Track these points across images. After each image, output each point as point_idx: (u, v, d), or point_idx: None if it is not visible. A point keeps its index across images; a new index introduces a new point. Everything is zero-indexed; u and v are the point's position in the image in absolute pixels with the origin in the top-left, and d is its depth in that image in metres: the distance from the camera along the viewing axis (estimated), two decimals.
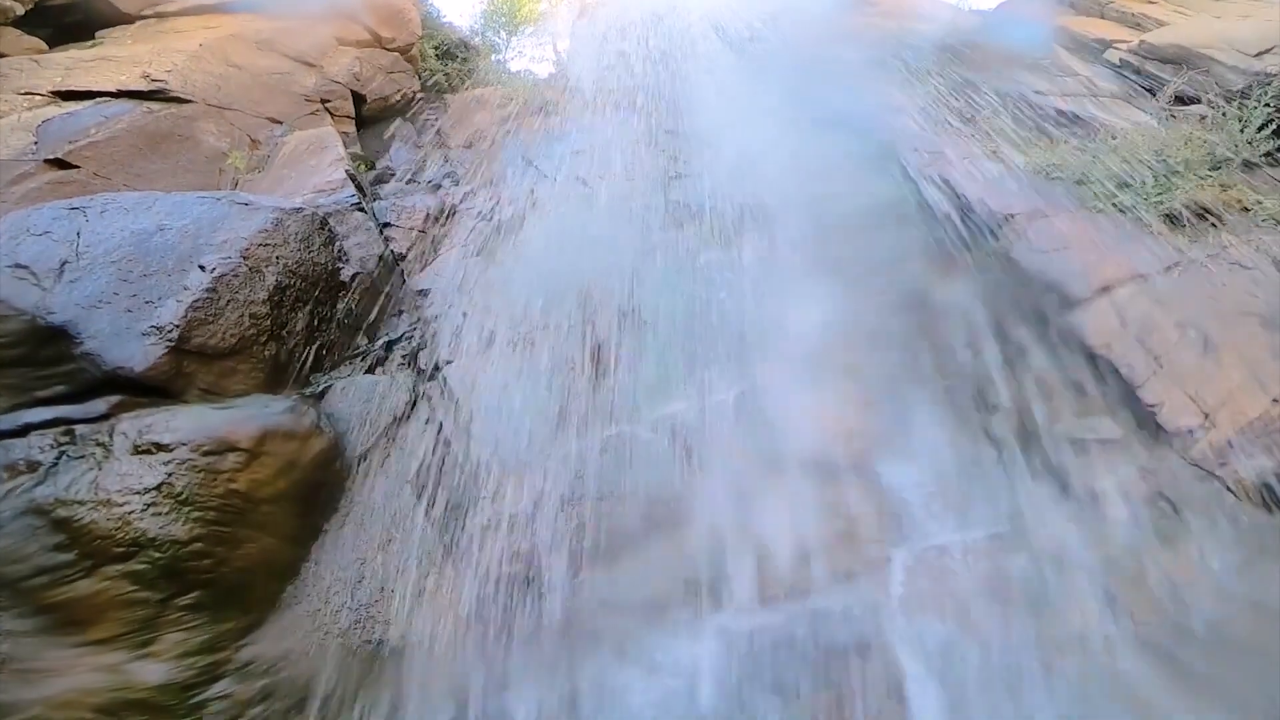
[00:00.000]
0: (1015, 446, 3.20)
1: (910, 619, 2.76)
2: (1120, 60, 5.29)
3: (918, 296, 3.72)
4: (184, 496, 2.53)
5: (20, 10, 5.76)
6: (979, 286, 3.64)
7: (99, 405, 2.67)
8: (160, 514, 2.48)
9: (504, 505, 3.20)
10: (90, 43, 6.11)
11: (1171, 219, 3.70)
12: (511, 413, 3.41)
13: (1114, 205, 3.84)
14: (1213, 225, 3.65)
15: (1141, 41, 5.23)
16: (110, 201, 3.42)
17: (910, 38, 5.78)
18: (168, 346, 2.84)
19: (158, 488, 2.50)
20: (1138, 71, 5.14)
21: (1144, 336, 3.19)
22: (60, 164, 4.39)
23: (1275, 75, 4.14)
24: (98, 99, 4.94)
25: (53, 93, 5.05)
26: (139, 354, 2.81)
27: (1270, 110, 3.97)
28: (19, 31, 5.84)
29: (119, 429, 2.58)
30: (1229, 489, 2.80)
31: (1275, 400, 2.90)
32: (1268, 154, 3.98)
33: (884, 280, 3.82)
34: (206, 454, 2.59)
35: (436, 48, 7.18)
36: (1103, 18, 6.12)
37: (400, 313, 3.86)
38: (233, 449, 2.66)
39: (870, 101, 4.91)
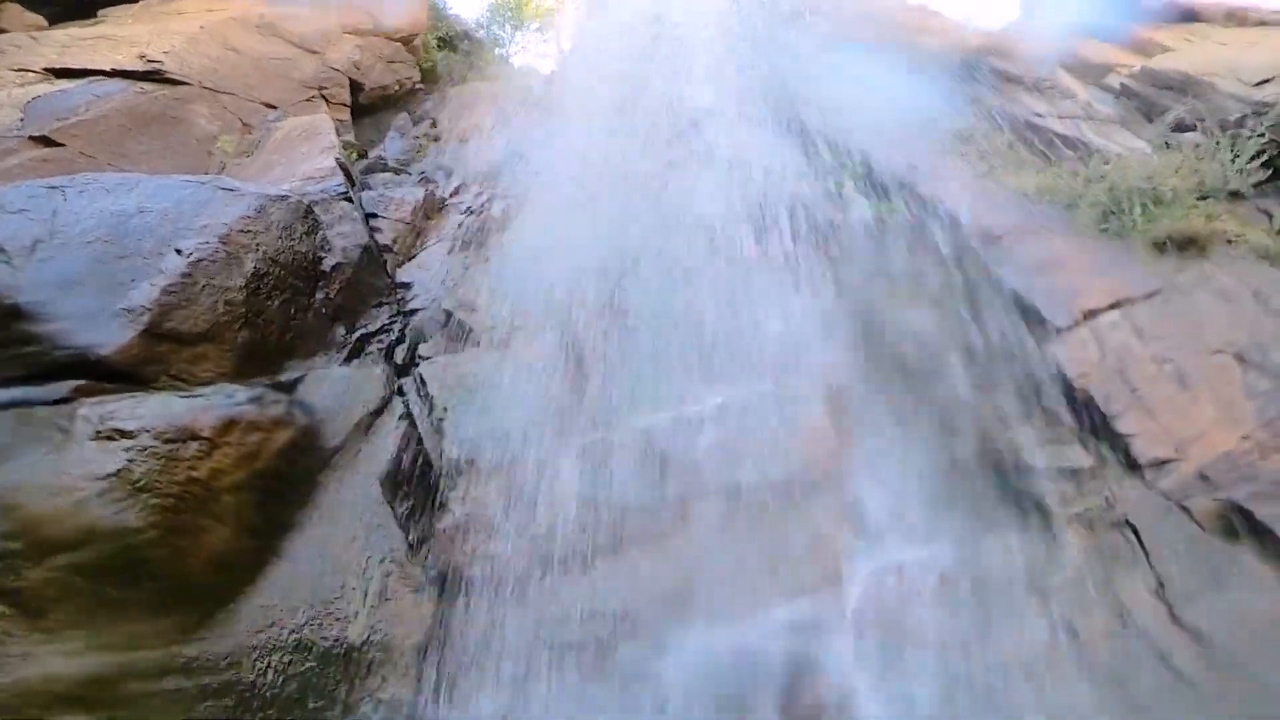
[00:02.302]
0: (984, 471, 3.21)
1: (863, 635, 2.79)
2: (1121, 85, 5.27)
3: (895, 315, 3.71)
4: (141, 484, 2.48)
5: None
6: (959, 307, 3.63)
7: (61, 388, 2.61)
8: (115, 501, 2.43)
9: (474, 506, 3.18)
10: (92, 21, 6.10)
11: (1158, 246, 3.71)
12: (487, 413, 3.39)
13: (1102, 230, 3.85)
14: (1197, 254, 3.66)
15: (1143, 67, 5.21)
16: (91, 181, 3.38)
17: (914, 55, 5.73)
18: (138, 330, 2.79)
19: (115, 474, 2.45)
20: (1137, 97, 5.12)
21: (1122, 368, 3.21)
22: (46, 141, 4.36)
23: (1271, 105, 4.11)
24: (91, 78, 4.91)
25: (47, 70, 5.04)
26: (109, 337, 2.76)
27: (1263, 140, 3.95)
28: (21, 7, 5.84)
29: (80, 413, 2.54)
30: (1194, 520, 2.85)
31: (1245, 437, 2.98)
32: (1258, 185, 3.96)
33: (861, 297, 3.81)
34: (168, 441, 2.55)
35: (440, 39, 7.16)
36: (1106, 41, 6.10)
37: (381, 305, 3.82)
38: (194, 437, 2.61)
39: (868, 117, 4.88)
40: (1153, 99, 4.94)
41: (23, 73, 4.97)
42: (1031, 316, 3.45)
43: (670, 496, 3.13)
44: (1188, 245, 3.68)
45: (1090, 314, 3.40)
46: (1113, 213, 3.88)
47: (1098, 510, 3.00)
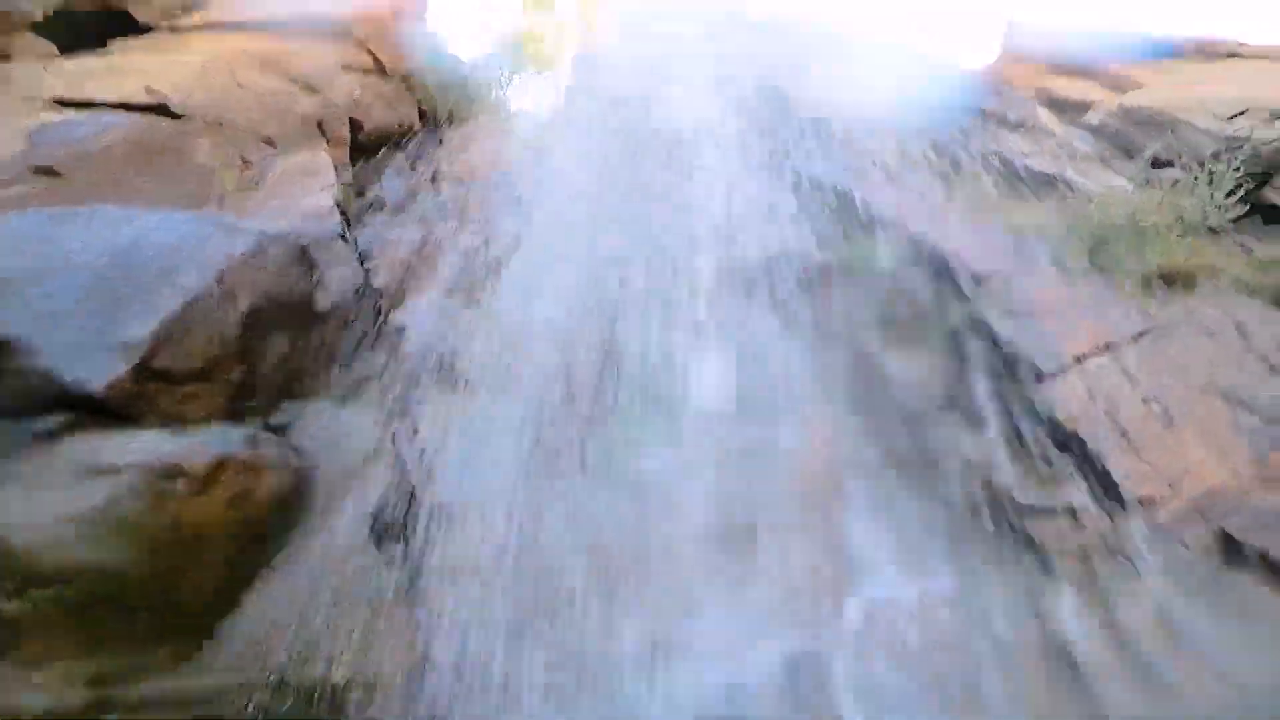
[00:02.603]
0: (976, 511, 3.23)
1: (859, 670, 2.83)
2: (1099, 122, 5.34)
3: (884, 358, 3.76)
4: (124, 523, 2.47)
5: (38, 15, 5.78)
6: (948, 350, 3.68)
7: (48, 423, 2.60)
8: (96, 539, 2.41)
9: (464, 549, 3.16)
10: (101, 52, 6.16)
11: (1144, 283, 3.77)
12: (480, 458, 3.40)
13: (1088, 267, 3.90)
14: (1182, 290, 3.72)
15: (1120, 104, 5.28)
16: (91, 213, 3.42)
17: (895, 96, 5.88)
18: (130, 365, 2.80)
19: (97, 512, 2.44)
20: (1115, 134, 5.19)
21: (1112, 411, 3.26)
22: (49, 172, 4.36)
23: (1243, 139, 4.19)
24: (97, 109, 4.94)
25: (54, 99, 5.07)
26: (99, 372, 2.76)
27: (1239, 175, 4.02)
28: (34, 35, 5.88)
29: (65, 449, 2.53)
30: (1190, 551, 2.92)
31: (1235, 472, 3.07)
32: (1235, 220, 4.04)
33: (849, 340, 3.87)
34: (154, 479, 2.54)
35: (440, 80, 7.25)
36: (1085, 79, 6.18)
37: (376, 348, 3.83)
38: (183, 475, 2.61)
39: (850, 160, 5.00)
40: (1130, 136, 5.01)
41: (30, 101, 5.02)
42: (1021, 360, 3.51)
43: (661, 538, 3.13)
44: (1173, 281, 3.76)
45: (1079, 358, 3.46)
46: (1098, 250, 3.95)
47: (1092, 545, 3.04)
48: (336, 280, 3.76)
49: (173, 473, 2.59)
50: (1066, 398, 3.33)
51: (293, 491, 3.03)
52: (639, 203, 4.86)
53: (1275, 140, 4.14)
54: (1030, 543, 3.11)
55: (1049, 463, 3.27)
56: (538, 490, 3.29)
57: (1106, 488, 3.13)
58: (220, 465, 2.72)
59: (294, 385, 3.32)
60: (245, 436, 2.90)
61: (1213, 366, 3.30)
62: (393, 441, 3.44)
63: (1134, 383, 3.30)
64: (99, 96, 5.06)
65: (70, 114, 4.87)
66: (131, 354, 2.82)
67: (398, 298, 4.17)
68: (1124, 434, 3.16)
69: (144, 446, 2.64)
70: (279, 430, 3.15)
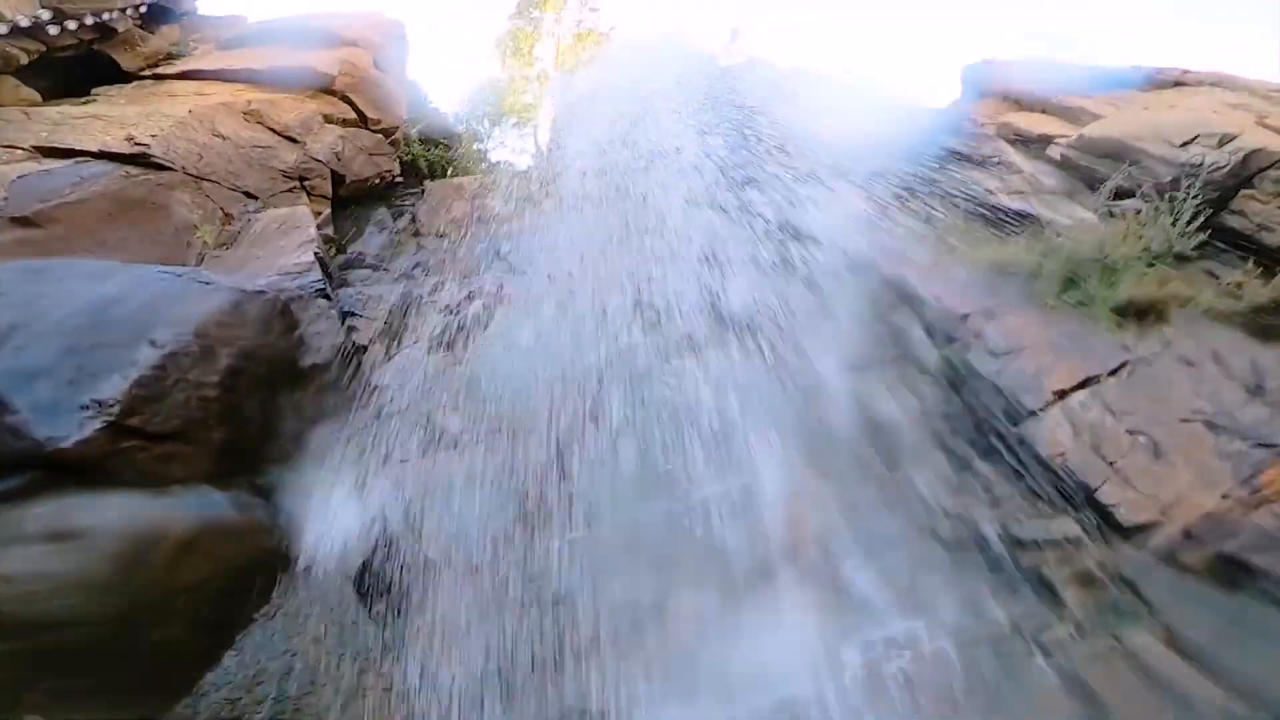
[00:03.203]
0: (972, 546, 3.22)
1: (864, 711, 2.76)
2: (1061, 156, 5.33)
3: (868, 399, 3.77)
4: (97, 583, 2.41)
5: (24, 59, 5.80)
6: (931, 390, 3.71)
7: (16, 481, 2.51)
8: (67, 597, 2.35)
9: (452, 606, 3.09)
10: (84, 99, 6.16)
11: (1117, 315, 3.81)
12: (464, 515, 3.35)
13: (1062, 301, 3.95)
14: (1156, 321, 3.76)
15: (1079, 135, 5.29)
16: (70, 268, 3.39)
17: (864, 138, 6.06)
18: (105, 423, 2.74)
19: (68, 573, 2.36)
20: (1077, 167, 5.19)
21: (1098, 445, 3.29)
22: (27, 223, 4.32)
23: (1198, 166, 4.24)
24: (78, 158, 4.91)
25: (35, 147, 5.02)
26: (72, 429, 2.69)
27: (1198, 202, 4.08)
28: (17, 81, 5.88)
29: (33, 510, 2.43)
30: (1191, 574, 2.91)
31: (1225, 496, 3.04)
32: (1199, 246, 4.07)
33: (834, 384, 3.88)
34: (130, 543, 2.45)
35: (421, 132, 7.36)
36: (1044, 113, 6.27)
37: (357, 406, 3.79)
38: (163, 538, 2.53)
39: (827, 209, 5.09)
40: (1091, 168, 5.02)
41: (11, 149, 4.97)
42: (1003, 398, 3.54)
43: (652, 590, 3.08)
44: (1146, 312, 3.78)
45: (1060, 394, 3.49)
46: (1071, 284, 4.01)
47: (1090, 572, 3.03)
48: (318, 338, 3.73)
49: (153, 536, 2.51)
50: (1052, 433, 3.36)
51: (274, 551, 2.98)
52: (617, 253, 4.89)
53: (1226, 165, 4.25)
54: (1027, 573, 3.10)
55: (1039, 496, 3.27)
56: (522, 548, 3.23)
57: (1100, 518, 3.14)
58: (200, 528, 2.67)
59: (276, 445, 3.27)
60: (226, 499, 2.83)
61: (1193, 395, 3.34)
62: (376, 499, 3.39)
63: (1117, 416, 3.34)
64: (80, 145, 5.04)
65: (50, 163, 4.85)
66: (106, 412, 2.75)
67: (380, 355, 4.14)
68: (1112, 465, 3.19)
69: (112, 510, 2.56)
70: (261, 490, 3.10)
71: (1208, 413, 3.29)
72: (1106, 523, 3.13)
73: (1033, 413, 3.46)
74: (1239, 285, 3.83)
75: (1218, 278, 4.00)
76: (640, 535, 3.24)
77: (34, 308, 3.06)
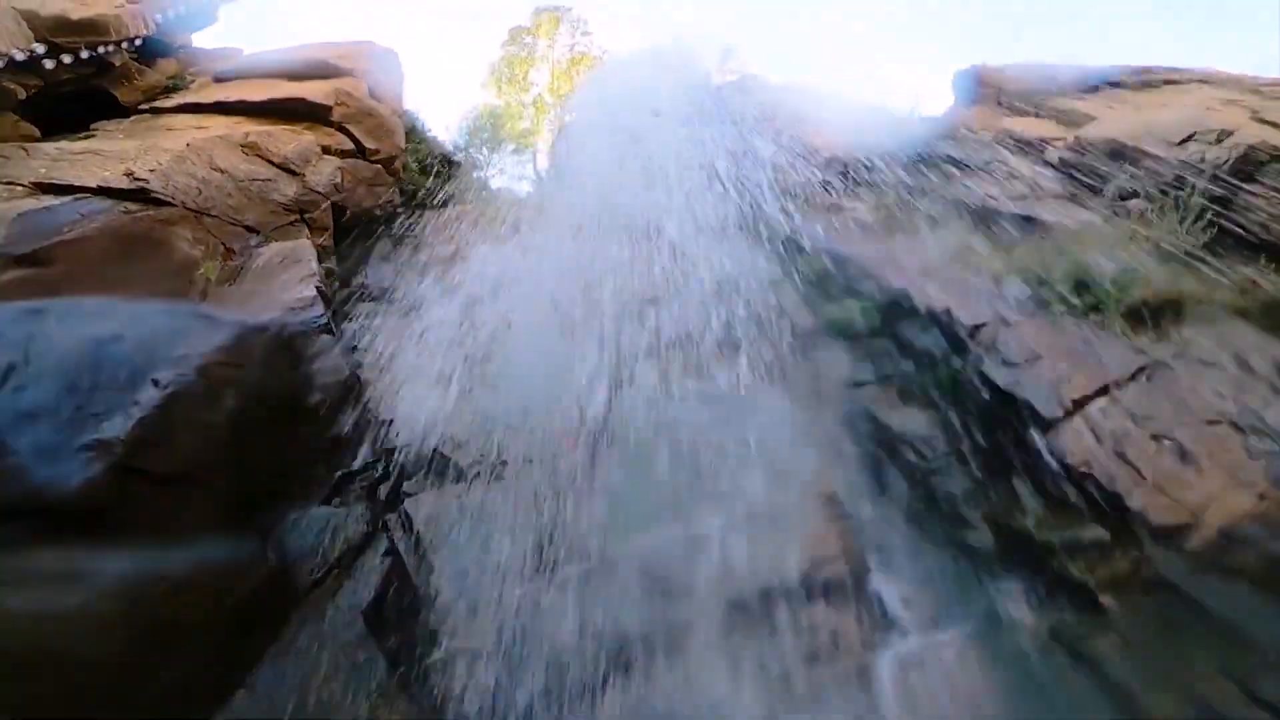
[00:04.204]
0: (1002, 554, 3.15)
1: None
2: (1060, 159, 5.39)
3: (885, 415, 3.71)
4: (102, 624, 2.34)
5: (22, 94, 5.80)
6: (949, 402, 3.65)
7: (15, 528, 2.44)
8: (70, 637, 2.28)
9: (465, 639, 3.00)
10: (83, 134, 6.12)
11: (1132, 316, 3.73)
12: (475, 546, 3.28)
13: (1075, 307, 3.89)
14: (1172, 322, 3.69)
15: (1076, 138, 5.35)
16: (70, 306, 3.34)
17: (862, 151, 6.05)
18: (108, 464, 2.66)
19: (68, 613, 2.28)
20: (1076, 169, 5.23)
21: (1122, 451, 3.24)
22: (29, 261, 4.25)
23: (1198, 163, 4.23)
24: (77, 194, 4.85)
25: (35, 184, 4.96)
26: (75, 471, 2.62)
27: (1203, 200, 4.06)
28: (16, 117, 5.86)
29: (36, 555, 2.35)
30: (1239, 577, 2.80)
31: (1262, 496, 2.97)
32: (1207, 244, 4.05)
33: (848, 401, 3.82)
34: (131, 584, 2.37)
35: (420, 161, 7.36)
36: (1038, 117, 6.33)
37: (364, 441, 3.73)
38: (163, 579, 2.44)
39: (832, 218, 5.07)
40: (1091, 169, 5.07)
41: (11, 186, 4.92)
42: (1023, 408, 3.48)
43: (673, 618, 3.00)
44: (1160, 314, 3.71)
45: (1080, 402, 3.43)
46: (1082, 288, 3.96)
47: (1126, 575, 2.98)
48: (322, 374, 3.67)
49: (154, 582, 2.43)
50: (1074, 442, 3.28)
51: (279, 588, 2.90)
52: (619, 276, 4.84)
53: (1227, 161, 4.22)
54: (1059, 578, 3.03)
55: (1065, 504, 3.20)
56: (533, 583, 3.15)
57: (1128, 522, 3.06)
58: (199, 570, 2.58)
59: (283, 483, 3.20)
60: (229, 542, 2.76)
61: (1216, 397, 3.27)
62: (386, 532, 3.31)
63: (1139, 421, 3.26)
64: (80, 181, 4.98)
65: (50, 199, 4.78)
66: (108, 453, 2.68)
67: (386, 389, 4.08)
68: (1138, 471, 3.11)
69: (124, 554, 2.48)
70: (269, 528, 3.02)
71: (1233, 413, 3.23)
72: (1136, 527, 3.06)
73: (1053, 422, 3.40)
74: (1252, 282, 3.79)
75: (1228, 275, 3.95)
76: (650, 565, 3.15)
77: (32, 348, 3.00)
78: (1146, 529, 3.01)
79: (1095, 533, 3.12)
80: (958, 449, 3.53)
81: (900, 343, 4.15)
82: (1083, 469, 3.19)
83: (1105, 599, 2.92)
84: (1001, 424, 3.52)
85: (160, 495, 2.72)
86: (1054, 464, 3.27)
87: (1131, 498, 3.07)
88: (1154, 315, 3.72)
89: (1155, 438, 3.20)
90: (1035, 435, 3.37)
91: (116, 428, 2.74)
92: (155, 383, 2.90)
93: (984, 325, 3.87)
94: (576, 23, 12.68)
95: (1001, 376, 3.61)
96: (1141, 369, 3.50)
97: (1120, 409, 3.35)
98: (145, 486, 2.70)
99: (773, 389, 3.88)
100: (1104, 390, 3.44)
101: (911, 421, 3.69)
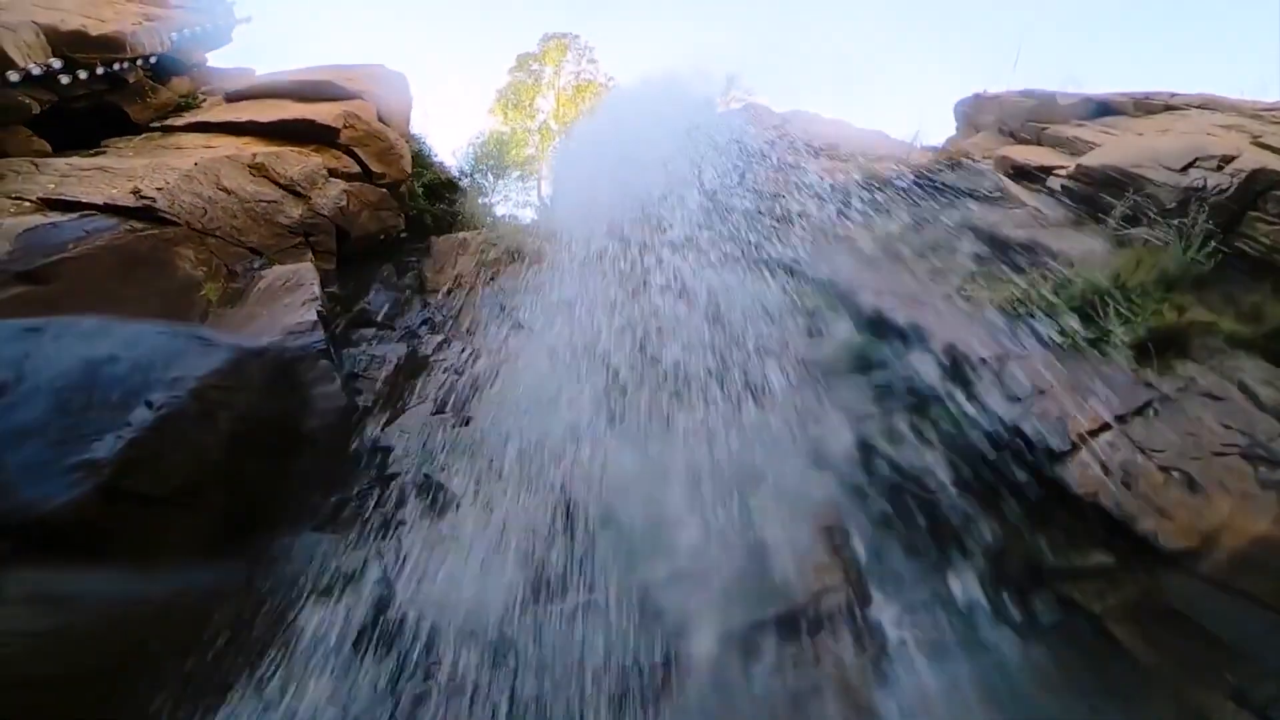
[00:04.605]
0: (1007, 582, 3.09)
1: None
2: (1062, 186, 5.29)
3: (887, 446, 3.65)
4: (77, 646, 2.28)
5: (36, 109, 5.87)
6: (952, 434, 3.59)
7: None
8: (43, 657, 2.24)
9: (459, 670, 2.93)
10: (93, 151, 6.17)
11: (1138, 349, 3.68)
12: (470, 577, 3.22)
13: (1080, 340, 3.84)
14: (1177, 355, 3.64)
15: (1078, 166, 5.24)
16: (68, 325, 3.33)
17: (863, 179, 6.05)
18: (95, 485, 2.63)
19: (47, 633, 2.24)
20: (1079, 197, 5.12)
21: (1131, 483, 3.16)
22: (32, 278, 4.26)
23: (1201, 189, 4.19)
24: (84, 211, 4.89)
25: (42, 199, 4.99)
26: (60, 491, 2.59)
27: (1207, 227, 4.00)
28: (29, 132, 5.92)
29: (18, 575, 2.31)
30: (1257, 604, 2.74)
31: (1276, 520, 2.89)
32: (1213, 271, 3.96)
33: (851, 431, 3.77)
34: (111, 605, 2.32)
35: (425, 186, 7.37)
36: (1039, 144, 6.30)
37: (360, 469, 3.68)
38: (144, 602, 2.38)
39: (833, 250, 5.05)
40: (1094, 197, 4.96)
41: (19, 201, 4.96)
42: (1028, 441, 3.40)
43: (671, 651, 2.91)
44: (1166, 345, 3.65)
45: (1086, 436, 3.36)
46: (1088, 321, 3.90)
47: (1135, 601, 2.93)
48: (320, 400, 3.65)
49: (132, 605, 2.37)
50: (1082, 474, 3.22)
51: (271, 614, 2.83)
52: (626, 301, 4.82)
53: (1230, 188, 4.17)
54: (1066, 605, 2.98)
55: (1073, 534, 3.14)
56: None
57: (1138, 549, 2.99)
58: (179, 596, 2.52)
59: (277, 508, 3.17)
60: (213, 568, 2.70)
61: (1224, 429, 3.23)
62: (379, 560, 3.26)
63: (1148, 454, 3.21)
64: (86, 198, 5.00)
65: (57, 216, 4.80)
66: (96, 474, 2.65)
67: (384, 417, 4.03)
68: (1147, 500, 3.05)
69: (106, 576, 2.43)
70: (261, 555, 2.97)
71: (1242, 445, 3.17)
72: (1145, 553, 3.00)
73: (1060, 456, 3.34)
74: (1257, 309, 3.75)
75: (1234, 301, 3.90)
76: (648, 596, 3.08)
77: (29, 365, 3.00)
78: (1156, 555, 2.94)
79: (1103, 558, 3.06)
80: (961, 478, 3.46)
81: (902, 375, 4.09)
82: (1090, 499, 3.12)
83: (1113, 627, 2.86)
84: (1005, 456, 3.46)
85: (148, 517, 2.69)
86: (1061, 494, 3.20)
87: (1140, 524, 3.00)
88: (1159, 347, 3.67)
89: (1164, 469, 3.14)
90: (1041, 468, 3.31)
91: (106, 448, 2.72)
92: (148, 404, 2.89)
93: (987, 359, 3.83)
94: (583, 50, 12.91)
95: (1007, 411, 3.55)
96: (1148, 403, 3.45)
97: (1128, 443, 3.29)
98: (134, 508, 2.67)
99: (773, 417, 3.82)
100: (1111, 424, 3.39)
101: (912, 449, 3.63)
